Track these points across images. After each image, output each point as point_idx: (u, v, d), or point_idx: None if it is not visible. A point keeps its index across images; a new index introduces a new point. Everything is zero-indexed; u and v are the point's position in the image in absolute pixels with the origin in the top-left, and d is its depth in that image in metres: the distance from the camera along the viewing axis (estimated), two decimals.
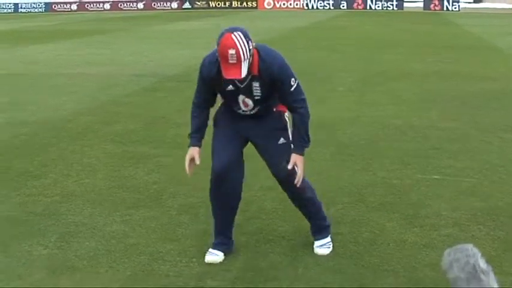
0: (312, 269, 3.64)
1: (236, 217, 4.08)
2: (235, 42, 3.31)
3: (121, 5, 56.68)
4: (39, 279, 3.56)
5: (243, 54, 3.32)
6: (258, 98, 3.61)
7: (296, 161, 3.66)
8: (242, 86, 3.57)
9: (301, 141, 3.68)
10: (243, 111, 3.70)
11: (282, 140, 3.74)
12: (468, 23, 30.18)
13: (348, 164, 5.83)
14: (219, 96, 3.80)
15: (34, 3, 58.02)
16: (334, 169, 5.62)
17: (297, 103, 3.62)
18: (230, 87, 3.60)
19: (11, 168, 5.84)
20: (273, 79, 3.53)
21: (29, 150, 6.49)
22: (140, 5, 56.56)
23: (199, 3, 56.17)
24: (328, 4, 53.31)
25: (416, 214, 4.52)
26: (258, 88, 3.57)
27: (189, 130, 3.87)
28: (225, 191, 3.80)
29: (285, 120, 3.80)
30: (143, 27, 29.81)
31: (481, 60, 14.56)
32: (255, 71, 3.51)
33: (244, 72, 3.36)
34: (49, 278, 3.57)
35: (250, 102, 3.63)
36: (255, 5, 53.45)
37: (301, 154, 3.68)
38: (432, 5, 50.05)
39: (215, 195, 3.85)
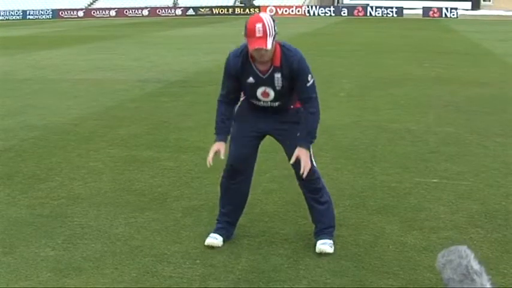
0: (313, 271, 3.69)
1: (240, 217, 4.19)
2: (262, 19, 3.64)
3: (126, 12, 56.94)
4: (46, 279, 3.62)
5: (269, 29, 3.60)
6: (280, 88, 3.78)
7: (299, 154, 3.82)
8: (264, 77, 3.76)
9: (308, 137, 3.85)
10: (263, 102, 3.86)
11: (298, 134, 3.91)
12: (466, 30, 30.27)
13: (348, 168, 5.90)
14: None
15: (42, 10, 58.48)
16: (335, 172, 5.69)
17: (309, 101, 3.81)
18: (251, 79, 3.78)
19: (19, 171, 5.92)
20: (292, 71, 3.73)
21: (37, 154, 6.58)
22: (145, 12, 56.76)
23: (202, 10, 56.35)
24: (330, 11, 53.49)
25: (416, 217, 4.58)
26: (280, 79, 3.76)
27: (212, 127, 4.03)
28: (237, 183, 4.04)
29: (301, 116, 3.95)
30: (148, 33, 29.94)
31: (477, 66, 14.66)
32: (277, 63, 3.74)
33: (269, 45, 3.60)
34: (56, 278, 3.63)
35: (271, 92, 3.80)
36: (258, 11, 53.62)
37: (306, 148, 3.84)
38: (431, 12, 50.21)
39: (226, 186, 4.07)
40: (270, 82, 3.78)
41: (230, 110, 3.97)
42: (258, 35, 3.58)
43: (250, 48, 3.63)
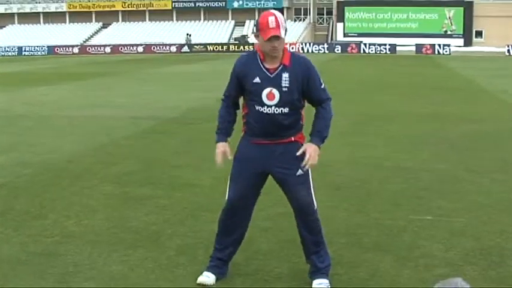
0: None
1: (235, 256, 4.17)
2: (273, 13, 3.79)
3: (121, 49, 57.41)
4: None
5: (281, 22, 3.74)
6: (286, 89, 3.79)
7: (307, 148, 3.83)
8: (271, 76, 3.79)
9: (321, 132, 3.89)
10: (268, 107, 3.82)
11: (299, 172, 3.90)
12: (458, 66, 30.67)
13: (343, 205, 5.90)
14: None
15: (37, 46, 58.99)
16: (329, 210, 5.67)
17: (324, 101, 3.89)
18: (257, 79, 3.81)
19: (12, 208, 5.89)
20: (304, 72, 3.81)
21: (30, 191, 6.55)
22: (140, 49, 57.24)
23: (197, 47, 56.85)
24: (323, 48, 54.10)
25: (410, 254, 4.57)
26: (287, 79, 3.79)
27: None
28: (235, 221, 4.02)
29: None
30: (143, 70, 30.14)
31: (470, 102, 14.83)
32: (287, 62, 3.81)
33: (282, 34, 3.71)
34: None
35: (277, 94, 3.80)
36: (252, 48, 54.12)
37: (316, 144, 3.86)
38: (424, 49, 50.83)
39: (224, 223, 4.06)
40: (276, 81, 3.79)
41: (231, 113, 4.04)
42: (271, 26, 3.70)
43: (265, 38, 3.71)
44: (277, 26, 3.70)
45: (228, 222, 4.04)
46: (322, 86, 3.88)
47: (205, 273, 4.07)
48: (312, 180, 3.99)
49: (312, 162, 3.83)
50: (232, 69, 3.96)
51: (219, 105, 4.08)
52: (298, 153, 3.84)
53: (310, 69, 3.85)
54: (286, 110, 3.82)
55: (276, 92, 3.79)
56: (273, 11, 3.83)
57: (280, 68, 3.80)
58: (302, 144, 3.96)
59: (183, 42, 58.57)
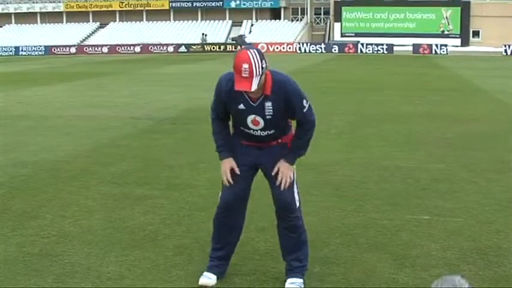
0: None
1: (232, 255, 4.17)
2: (249, 58, 3.53)
3: (118, 49, 57.41)
4: None
5: (255, 70, 3.52)
6: (270, 117, 3.75)
7: (280, 168, 3.85)
8: (255, 105, 3.73)
9: (296, 152, 3.89)
10: (253, 130, 3.83)
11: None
12: (455, 66, 30.71)
13: (340, 205, 5.90)
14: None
15: (34, 46, 58.96)
16: (326, 210, 5.69)
17: (307, 123, 3.82)
18: (241, 106, 3.76)
19: (9, 208, 5.88)
20: (286, 99, 3.71)
21: (27, 191, 6.54)
22: (137, 49, 57.23)
23: (194, 47, 56.85)
24: (321, 48, 54.17)
25: (407, 254, 4.57)
26: (270, 107, 3.73)
27: (213, 147, 4.02)
28: (230, 220, 4.01)
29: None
30: (140, 70, 30.11)
31: (467, 102, 14.85)
32: (268, 92, 3.70)
33: (254, 86, 3.54)
34: None
35: (261, 121, 3.77)
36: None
37: (290, 163, 3.87)
38: (421, 49, 50.90)
39: (219, 223, 4.05)
40: (260, 110, 3.74)
41: (225, 126, 3.99)
42: (244, 75, 3.52)
43: (236, 88, 3.58)
44: (250, 76, 3.50)
45: (226, 220, 4.02)
46: (305, 109, 3.77)
47: (206, 273, 4.04)
48: (296, 179, 3.99)
49: (286, 180, 3.85)
50: (217, 90, 3.85)
51: (211, 124, 4.00)
52: (273, 173, 3.87)
53: (291, 95, 3.72)
54: (272, 131, 3.84)
55: (260, 119, 3.77)
56: (250, 52, 3.54)
57: (262, 97, 3.72)
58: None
59: (180, 42, 58.49)
